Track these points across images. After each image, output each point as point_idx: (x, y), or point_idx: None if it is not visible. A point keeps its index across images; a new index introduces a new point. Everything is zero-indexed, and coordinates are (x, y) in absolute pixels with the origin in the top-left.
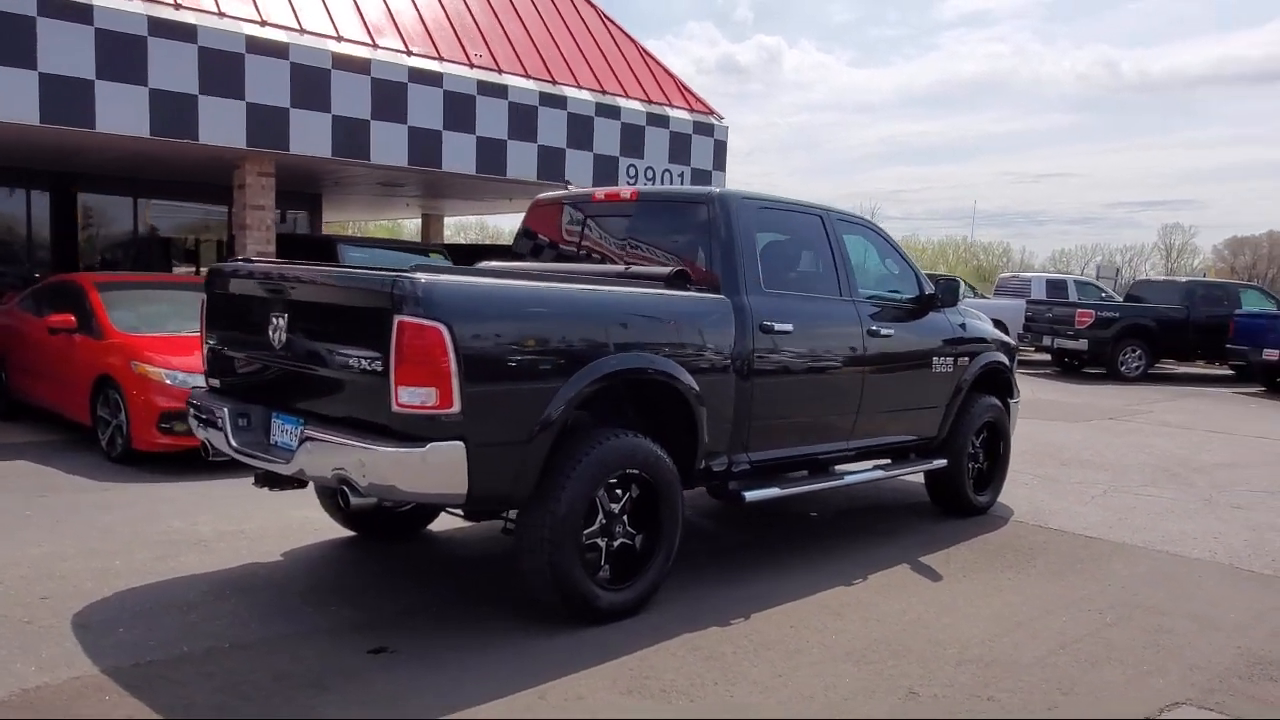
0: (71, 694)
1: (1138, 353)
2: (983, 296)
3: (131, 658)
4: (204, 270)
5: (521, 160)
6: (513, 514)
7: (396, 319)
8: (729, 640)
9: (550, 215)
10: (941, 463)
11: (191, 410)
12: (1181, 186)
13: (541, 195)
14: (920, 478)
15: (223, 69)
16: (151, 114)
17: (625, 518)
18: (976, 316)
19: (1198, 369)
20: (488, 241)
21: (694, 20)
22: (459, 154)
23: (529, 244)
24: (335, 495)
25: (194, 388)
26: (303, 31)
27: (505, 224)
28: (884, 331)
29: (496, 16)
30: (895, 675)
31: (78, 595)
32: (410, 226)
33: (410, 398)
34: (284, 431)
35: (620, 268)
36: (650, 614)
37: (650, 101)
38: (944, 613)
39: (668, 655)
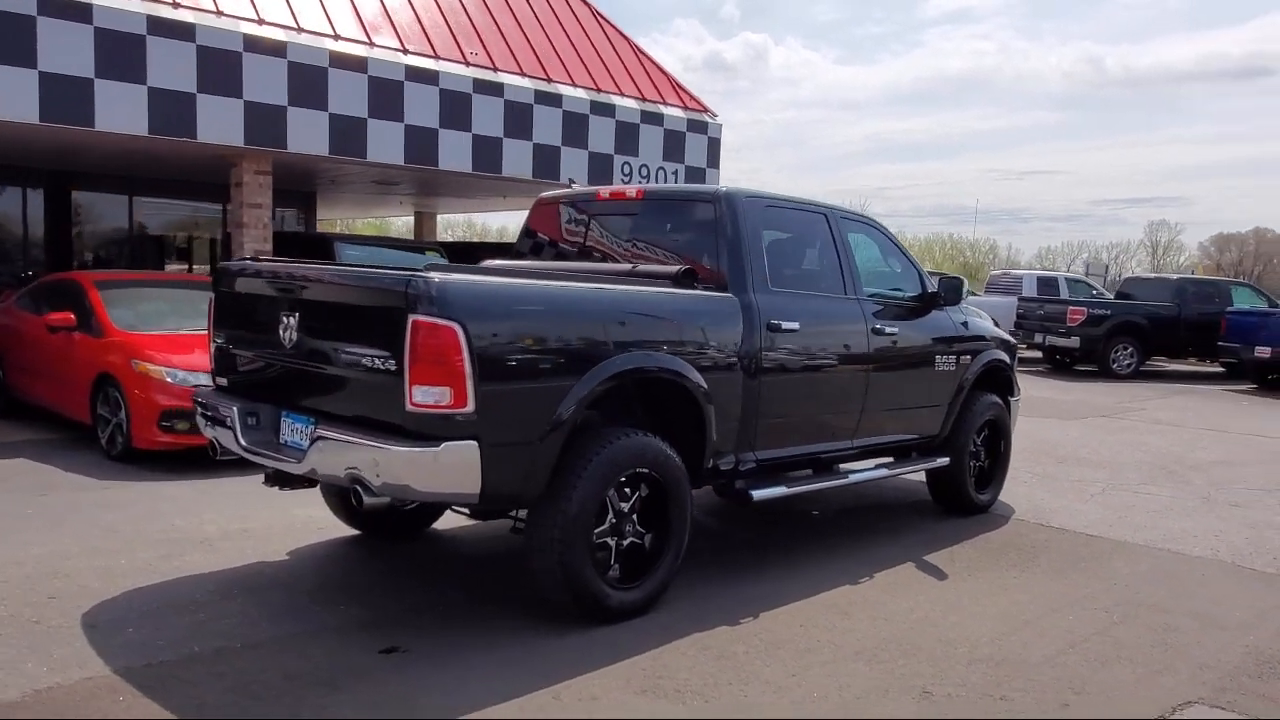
0: (85, 694)
1: (1129, 350)
2: (973, 293)
3: (142, 658)
4: (197, 269)
5: (517, 158)
6: (522, 513)
7: (411, 318)
8: (739, 639)
9: (554, 214)
10: (944, 461)
11: (199, 409)
12: (1167, 183)
13: (545, 194)
14: (921, 476)
15: (221, 67)
16: (150, 112)
17: (635, 517)
18: (977, 314)
19: (1188, 366)
20: (475, 239)
21: (680, 17)
22: (455, 152)
23: (532, 243)
24: (342, 494)
25: (196, 386)
26: (300, 30)
27: (494, 221)
28: (888, 330)
29: (491, 14)
30: (908, 675)
31: (84, 594)
32: (398, 224)
33: (424, 397)
34: (294, 430)
35: (627, 266)
36: (659, 613)
37: (644, 99)
38: (951, 611)
39: (679, 655)
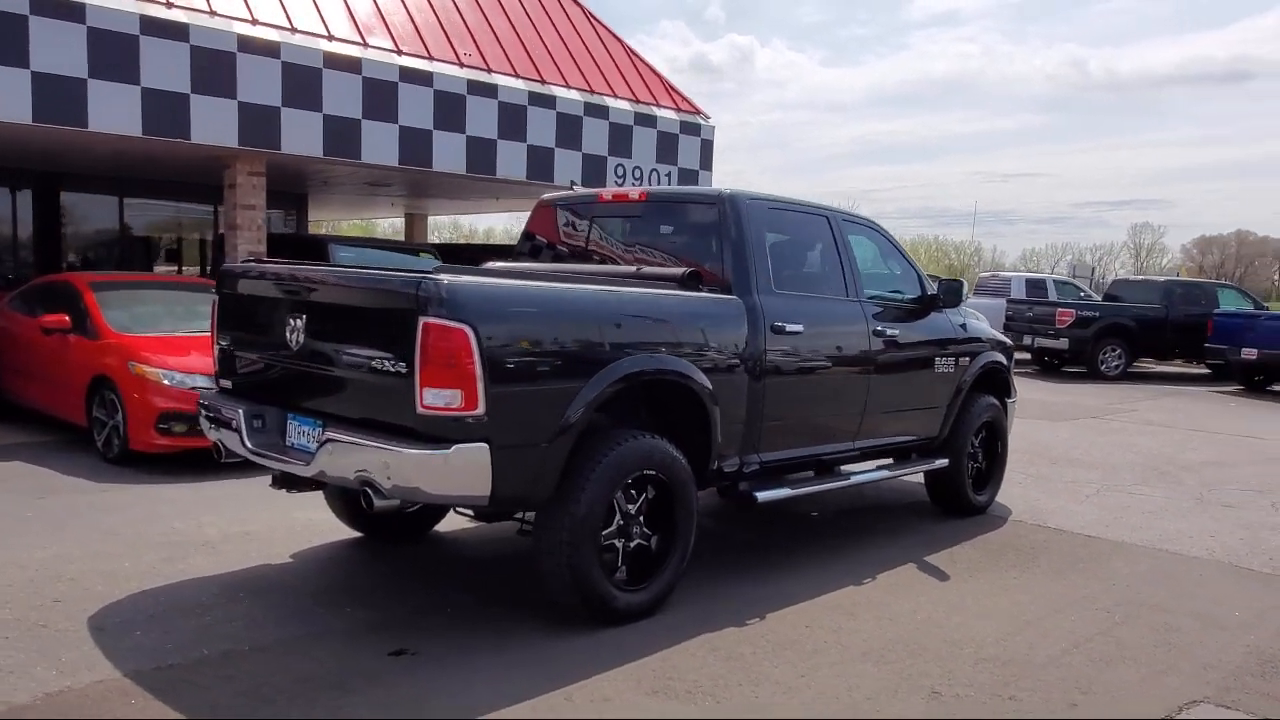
0: (96, 697)
1: (1117, 351)
2: None
3: (151, 661)
4: (186, 270)
5: (511, 160)
6: (528, 515)
7: (422, 320)
8: (747, 640)
9: (556, 216)
10: (943, 462)
11: (203, 411)
12: (1149, 186)
13: (546, 196)
14: (919, 477)
15: (215, 68)
16: (144, 113)
17: (641, 519)
18: (975, 316)
19: (1175, 368)
20: (461, 240)
21: (666, 19)
22: (449, 153)
23: (533, 245)
24: (346, 496)
25: (194, 389)
26: (294, 30)
27: (480, 223)
28: (889, 332)
29: (485, 16)
30: (916, 675)
31: (89, 598)
32: (383, 225)
33: (435, 399)
34: (301, 433)
35: (632, 269)
36: (665, 615)
37: (638, 101)
38: (954, 612)
39: (688, 656)
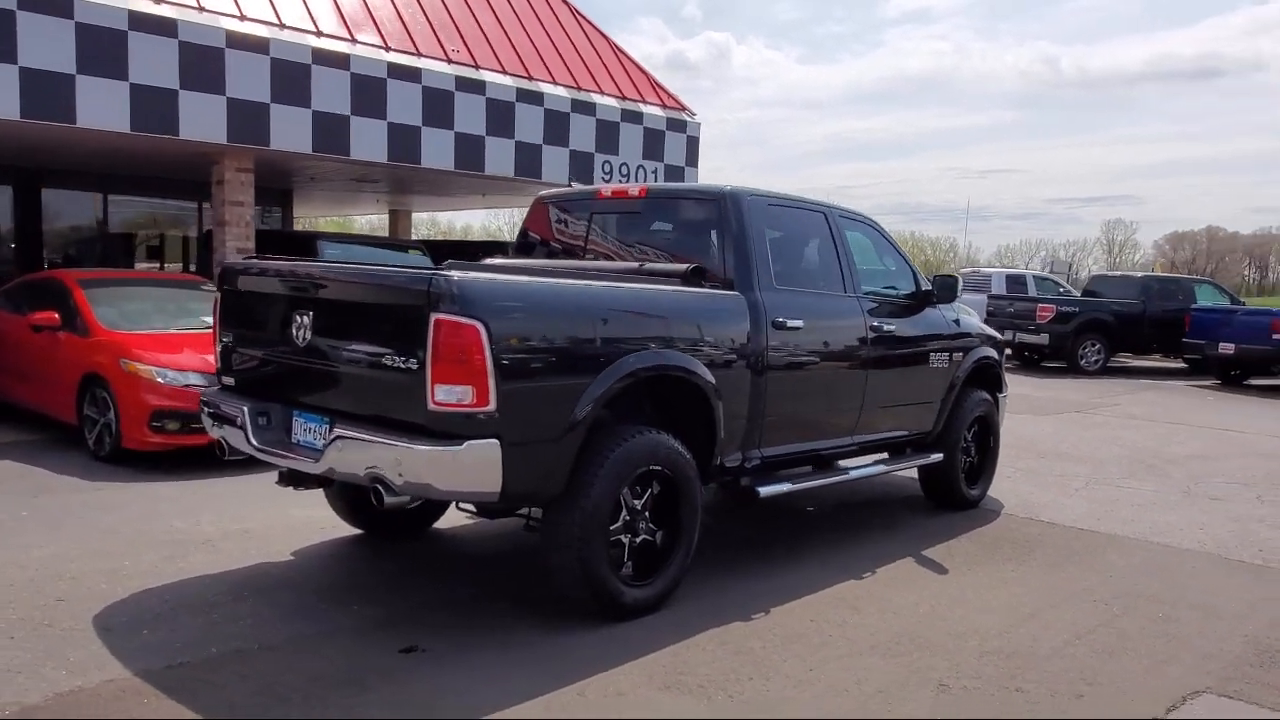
0: (109, 697)
1: (1097, 346)
2: None
3: (161, 660)
4: (169, 267)
5: (499, 157)
6: (535, 511)
7: (433, 316)
8: (755, 635)
9: (555, 213)
10: (938, 457)
11: (205, 409)
12: (1122, 182)
13: (544, 193)
14: (912, 472)
15: (203, 64)
16: (132, 109)
17: (647, 514)
18: (967, 312)
19: (1152, 362)
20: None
21: (643, 16)
22: (438, 150)
23: (533, 241)
24: (348, 493)
25: (189, 386)
26: (282, 26)
27: (459, 220)
28: (886, 327)
29: (472, 12)
30: (923, 668)
31: (93, 597)
32: (359, 222)
33: (446, 396)
34: (307, 430)
35: (634, 265)
36: (671, 610)
37: (624, 98)
38: (955, 605)
39: (698, 650)
